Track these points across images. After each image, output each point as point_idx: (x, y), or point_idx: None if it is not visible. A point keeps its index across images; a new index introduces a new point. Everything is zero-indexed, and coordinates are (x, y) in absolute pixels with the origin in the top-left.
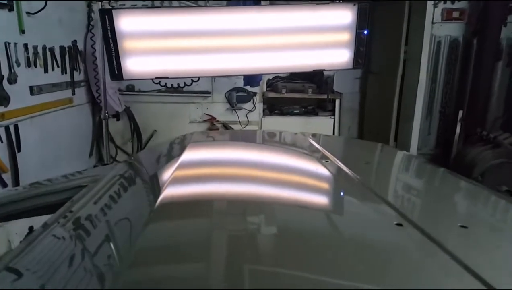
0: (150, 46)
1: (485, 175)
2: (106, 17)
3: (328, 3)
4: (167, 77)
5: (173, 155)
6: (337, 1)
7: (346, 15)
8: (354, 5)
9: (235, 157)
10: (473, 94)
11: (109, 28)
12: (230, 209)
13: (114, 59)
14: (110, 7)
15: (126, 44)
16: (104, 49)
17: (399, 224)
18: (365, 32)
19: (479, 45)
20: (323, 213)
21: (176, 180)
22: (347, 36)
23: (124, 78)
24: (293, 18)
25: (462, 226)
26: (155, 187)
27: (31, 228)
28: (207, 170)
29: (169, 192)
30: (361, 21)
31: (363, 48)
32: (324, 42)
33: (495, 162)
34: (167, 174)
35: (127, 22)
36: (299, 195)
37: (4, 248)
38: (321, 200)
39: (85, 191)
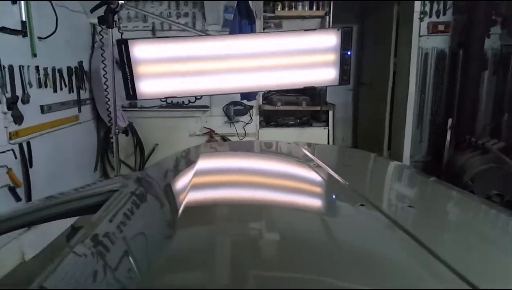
0: (160, 70)
1: (474, 180)
2: (123, 46)
3: (315, 30)
4: (174, 97)
5: (185, 166)
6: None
7: (331, 39)
8: (338, 30)
9: (242, 166)
10: (461, 102)
11: (125, 55)
12: (246, 214)
13: (129, 82)
14: (120, 33)
15: (139, 69)
16: (121, 73)
17: (361, 204)
18: (349, 53)
19: (465, 56)
20: (319, 214)
21: (195, 187)
22: (333, 57)
23: (138, 98)
24: (285, 43)
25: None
26: (174, 195)
27: (72, 226)
28: (221, 177)
29: (191, 197)
30: (345, 44)
31: (347, 66)
32: (313, 62)
33: (484, 167)
34: (184, 182)
35: (140, 50)
36: (302, 199)
37: (17, 259)
38: (317, 203)
39: (109, 203)
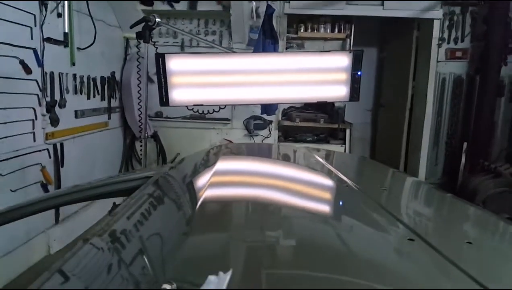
0: (190, 81)
1: (486, 203)
2: (160, 59)
3: (329, 51)
4: (202, 105)
5: (206, 165)
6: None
7: (343, 60)
8: (350, 52)
9: (259, 168)
10: (477, 127)
11: (161, 67)
12: (260, 211)
13: (163, 90)
14: (155, 48)
15: (173, 79)
16: (157, 82)
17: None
18: (359, 73)
19: (482, 82)
20: (326, 212)
21: (213, 185)
22: (344, 76)
23: (170, 105)
24: (302, 61)
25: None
26: (194, 191)
27: (114, 203)
28: (237, 177)
29: (208, 194)
30: (355, 64)
31: (357, 85)
32: (327, 80)
33: (496, 191)
34: (204, 180)
35: (175, 63)
36: (312, 202)
37: (43, 252)
38: (326, 203)
39: (143, 188)
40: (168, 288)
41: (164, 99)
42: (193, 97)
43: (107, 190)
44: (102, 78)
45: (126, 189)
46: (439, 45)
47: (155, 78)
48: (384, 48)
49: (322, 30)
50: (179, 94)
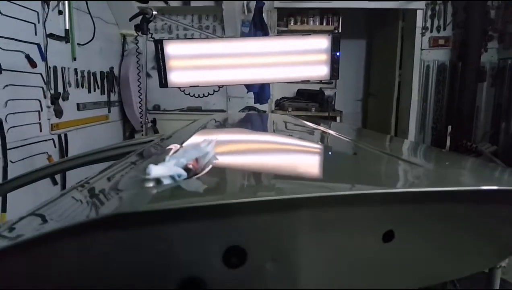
0: (187, 64)
1: None
2: (158, 44)
3: (310, 34)
4: (197, 86)
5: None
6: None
7: (323, 42)
8: (329, 35)
9: (237, 138)
10: (460, 111)
11: (160, 52)
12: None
13: (162, 73)
14: (152, 39)
15: (170, 63)
16: (154, 76)
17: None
18: (337, 53)
19: (463, 68)
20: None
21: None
22: (325, 57)
23: (168, 86)
24: (287, 45)
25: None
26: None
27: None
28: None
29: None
30: (334, 46)
31: (336, 65)
32: (309, 61)
33: None
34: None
35: (172, 48)
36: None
37: None
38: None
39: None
40: (174, 148)
41: (163, 81)
42: (189, 79)
43: (108, 155)
44: (101, 73)
45: (126, 153)
46: (423, 34)
47: (152, 72)
48: (372, 39)
49: (311, 22)
50: (177, 77)
